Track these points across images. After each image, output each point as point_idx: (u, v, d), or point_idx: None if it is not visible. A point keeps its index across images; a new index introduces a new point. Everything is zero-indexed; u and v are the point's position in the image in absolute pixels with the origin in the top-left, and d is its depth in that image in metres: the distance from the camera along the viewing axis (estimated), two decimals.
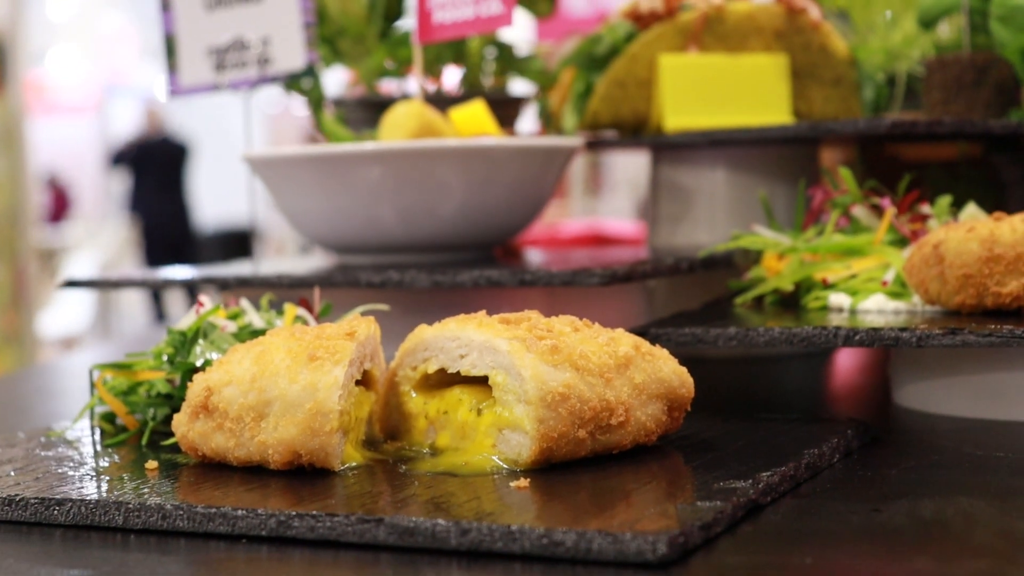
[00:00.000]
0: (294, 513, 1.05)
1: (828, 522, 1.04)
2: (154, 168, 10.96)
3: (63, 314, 10.19)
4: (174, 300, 12.23)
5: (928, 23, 1.98)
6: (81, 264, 10.79)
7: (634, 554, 0.94)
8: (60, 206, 13.66)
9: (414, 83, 2.10)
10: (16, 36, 7.87)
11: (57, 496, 1.14)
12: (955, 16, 1.99)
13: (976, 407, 1.47)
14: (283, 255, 10.93)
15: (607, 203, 7.46)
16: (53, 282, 10.86)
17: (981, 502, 1.09)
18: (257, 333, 1.43)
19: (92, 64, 15.89)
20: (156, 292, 11.01)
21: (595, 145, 2.07)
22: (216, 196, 13.52)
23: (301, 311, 1.47)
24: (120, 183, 14.32)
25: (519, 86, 2.38)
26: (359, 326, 1.26)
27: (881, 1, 2.19)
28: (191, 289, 2.17)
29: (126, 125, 14.73)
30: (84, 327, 10.48)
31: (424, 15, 1.79)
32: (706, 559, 0.95)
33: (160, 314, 11.49)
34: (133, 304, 12.77)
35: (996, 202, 2.11)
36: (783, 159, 2.02)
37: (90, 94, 15.95)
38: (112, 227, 12.52)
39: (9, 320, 7.79)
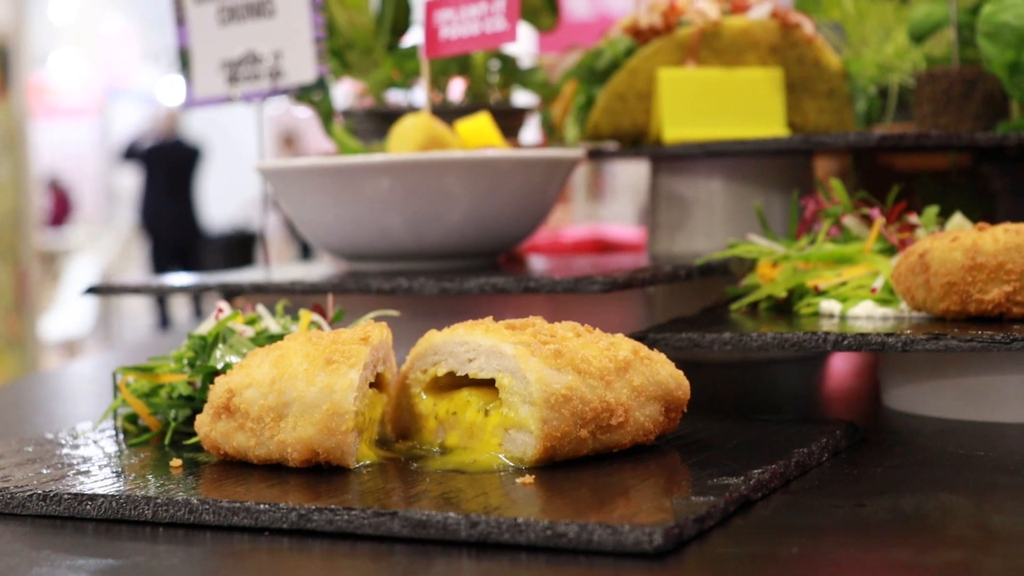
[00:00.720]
0: (313, 507, 1.12)
1: (814, 516, 1.11)
2: (165, 170, 10.98)
3: (65, 317, 10.23)
4: (178, 304, 12.26)
5: (919, 37, 2.04)
6: (83, 267, 10.83)
7: (632, 545, 1.01)
8: (62, 209, 13.68)
9: (421, 94, 2.17)
10: (19, 39, 7.90)
11: (88, 492, 1.20)
12: (945, 30, 2.05)
13: (960, 409, 1.54)
14: (282, 257, 10.97)
15: (609, 208, 7.52)
16: (55, 285, 10.90)
17: (959, 497, 1.16)
18: (274, 338, 1.50)
19: (94, 67, 15.93)
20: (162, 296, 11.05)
21: (596, 155, 2.13)
22: (219, 197, 13.55)
23: (315, 317, 1.54)
24: (124, 184, 14.34)
25: (522, 97, 2.44)
26: (372, 331, 1.32)
27: (874, 15, 2.26)
28: (197, 295, 2.23)
29: (128, 127, 14.75)
30: (86, 330, 10.52)
31: (431, 31, 1.85)
32: (699, 550, 1.02)
33: (164, 318, 11.49)
34: (135, 307, 12.81)
35: (986, 210, 2.17)
36: (778, 170, 2.08)
37: (92, 97, 15.98)
38: (114, 230, 12.55)
39: (11, 324, 7.82)
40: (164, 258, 11.01)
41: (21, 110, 7.88)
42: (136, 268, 12.55)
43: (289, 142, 12.22)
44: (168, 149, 11.08)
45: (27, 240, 8.00)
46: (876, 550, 1.01)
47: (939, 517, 1.10)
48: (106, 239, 12.03)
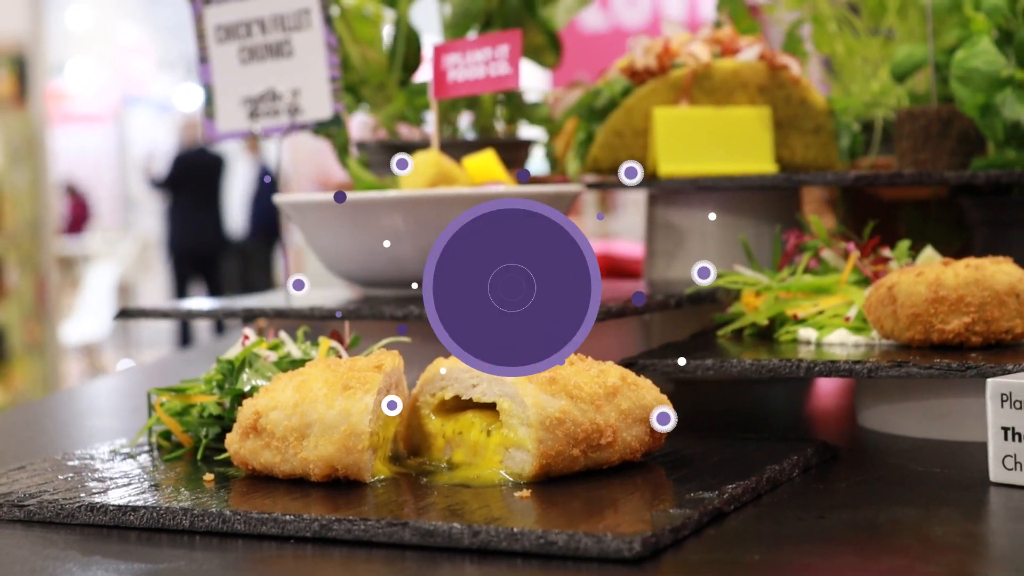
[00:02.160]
0: (333, 518, 1.24)
1: (779, 527, 1.24)
2: (191, 180, 10.97)
3: (84, 323, 10.35)
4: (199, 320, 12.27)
5: (900, 77, 2.16)
6: (101, 273, 10.95)
7: (614, 552, 1.14)
8: (79, 215, 13.76)
9: (431, 127, 2.30)
10: (36, 48, 8.01)
11: (131, 503, 1.34)
12: (925, 70, 2.18)
13: (925, 428, 1.65)
14: (303, 268, 11.04)
15: (620, 221, 7.63)
16: (74, 291, 11.03)
17: (910, 510, 1.28)
18: (296, 363, 1.63)
19: (110, 75, 16.06)
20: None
21: (596, 187, 2.25)
22: (236, 205, 13.62)
23: (334, 343, 1.67)
24: (140, 192, 14.39)
25: (528, 131, 2.57)
26: (385, 359, 1.44)
27: (861, 53, 2.39)
28: (219, 320, 2.35)
29: (144, 135, 14.85)
30: (105, 335, 10.65)
31: (439, 74, 1.98)
32: (674, 556, 1.15)
33: (184, 327, 11.46)
34: None
35: (965, 239, 2.30)
36: (767, 202, 2.20)
37: (108, 104, 16.11)
38: (131, 236, 12.66)
39: (31, 329, 7.95)
40: (185, 267, 11.04)
41: (39, 118, 8.00)
42: (154, 275, 12.64)
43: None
44: (192, 159, 11.09)
45: (46, 246, 8.12)
46: (829, 556, 1.14)
47: (889, 528, 1.23)
48: (124, 245, 12.14)
